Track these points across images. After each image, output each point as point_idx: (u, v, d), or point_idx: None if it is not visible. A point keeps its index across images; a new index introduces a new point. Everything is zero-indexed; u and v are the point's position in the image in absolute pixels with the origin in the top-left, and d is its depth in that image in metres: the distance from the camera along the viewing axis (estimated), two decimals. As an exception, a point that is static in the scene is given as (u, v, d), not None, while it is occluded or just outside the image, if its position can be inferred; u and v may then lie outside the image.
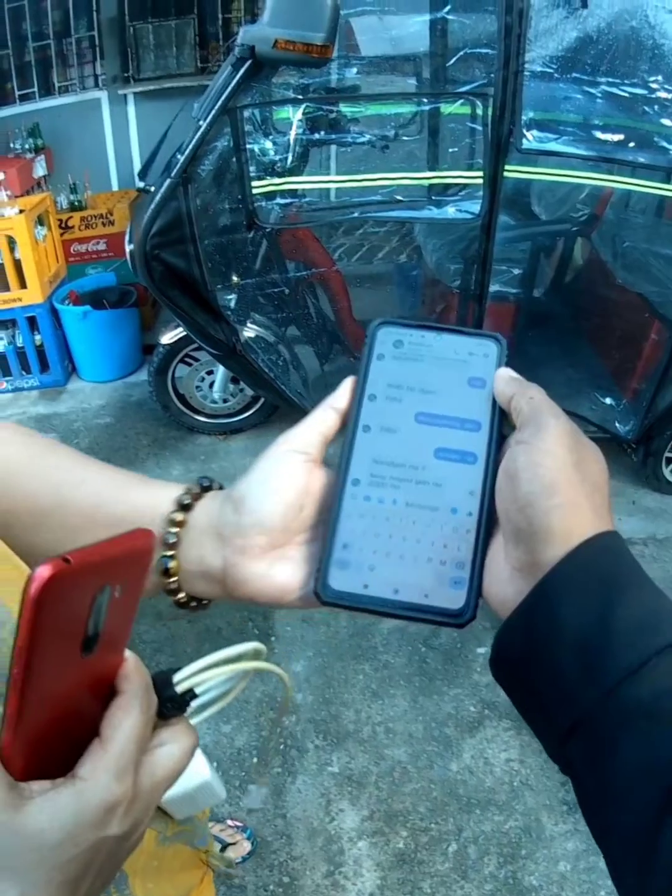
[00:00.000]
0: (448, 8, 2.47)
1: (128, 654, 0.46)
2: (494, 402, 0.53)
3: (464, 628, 0.49)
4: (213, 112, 2.30)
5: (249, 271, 2.83)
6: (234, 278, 2.76)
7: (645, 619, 0.43)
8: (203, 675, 0.51)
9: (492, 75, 2.35)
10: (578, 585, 0.44)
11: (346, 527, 0.51)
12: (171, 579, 0.55)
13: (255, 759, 2.30)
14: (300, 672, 2.54)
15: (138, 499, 0.58)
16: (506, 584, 0.48)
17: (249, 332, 2.91)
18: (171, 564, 0.55)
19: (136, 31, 4.90)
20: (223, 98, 2.28)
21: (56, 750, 0.43)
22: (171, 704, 0.49)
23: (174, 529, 0.55)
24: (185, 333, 3.14)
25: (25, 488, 0.59)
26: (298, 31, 2.06)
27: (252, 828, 2.10)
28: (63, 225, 4.34)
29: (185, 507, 0.56)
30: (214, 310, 2.70)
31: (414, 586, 0.49)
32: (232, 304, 2.77)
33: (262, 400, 3.44)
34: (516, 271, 3.15)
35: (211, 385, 3.47)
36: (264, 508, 0.52)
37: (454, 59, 2.48)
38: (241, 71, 2.23)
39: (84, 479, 0.60)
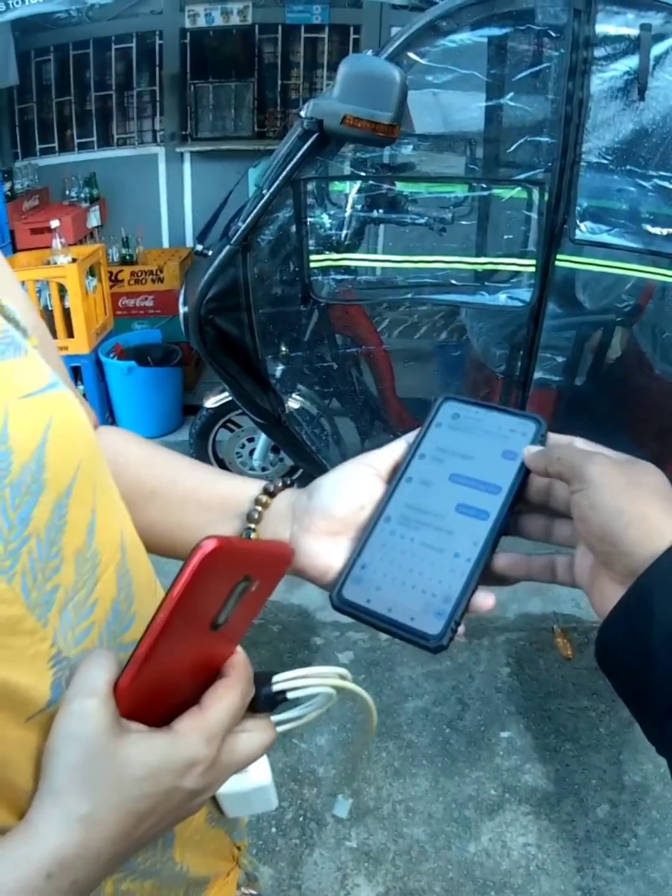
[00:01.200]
0: (511, 94, 2.51)
1: (238, 648, 0.54)
2: (518, 473, 0.62)
3: (434, 653, 0.58)
4: (278, 182, 2.33)
5: (299, 343, 2.86)
6: (284, 349, 2.78)
7: None
8: (297, 683, 0.59)
9: (549, 164, 2.39)
10: (666, 584, 0.49)
11: (369, 551, 0.62)
12: None
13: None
14: (324, 745, 2.54)
15: (232, 485, 0.71)
16: (615, 599, 0.53)
17: (295, 403, 2.93)
18: (253, 535, 0.67)
19: (196, 90, 4.97)
20: (288, 169, 2.31)
21: (155, 706, 0.48)
22: (263, 700, 0.57)
23: (259, 508, 0.67)
24: (229, 399, 3.18)
25: (147, 472, 0.71)
26: (367, 108, 2.10)
27: (267, 897, 2.09)
28: (113, 278, 4.41)
29: (269, 494, 0.68)
30: (262, 379, 2.72)
31: (405, 609, 0.59)
32: (280, 375, 2.80)
33: (301, 471, 3.46)
34: (560, 359, 3.17)
35: (251, 452, 3.50)
36: (333, 500, 0.65)
37: (515, 146, 2.52)
38: (308, 143, 2.27)
39: (189, 468, 0.73)
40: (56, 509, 0.47)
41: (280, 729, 0.64)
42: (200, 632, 0.48)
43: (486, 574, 0.60)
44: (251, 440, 3.49)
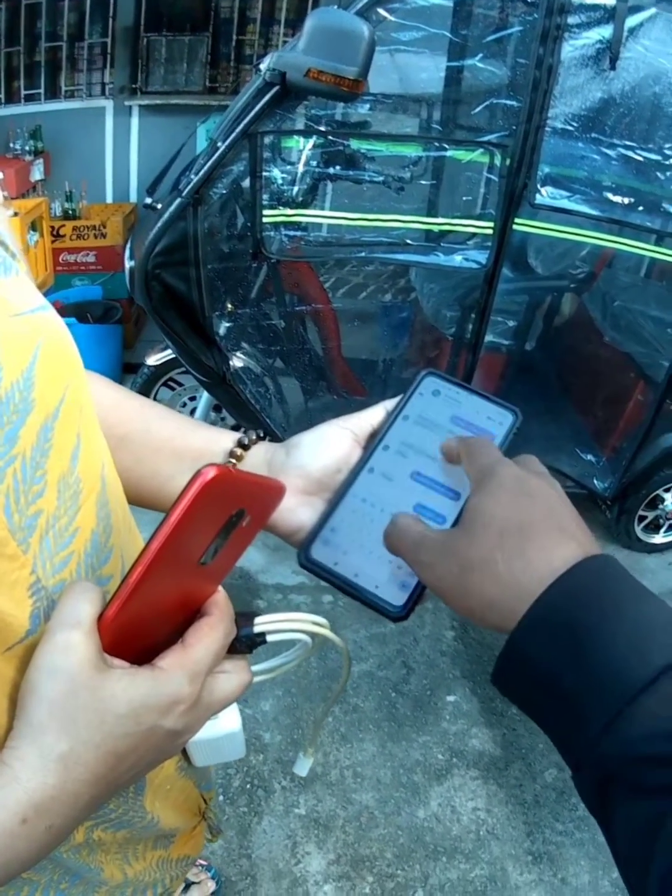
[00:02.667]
0: (480, 55, 2.48)
1: (219, 587, 0.53)
2: None
3: (394, 622, 0.60)
4: (234, 135, 2.25)
5: (246, 300, 2.80)
6: (231, 306, 2.72)
7: (617, 665, 0.44)
8: (279, 625, 0.61)
9: (513, 127, 2.35)
10: (546, 637, 0.47)
11: (339, 515, 0.63)
12: None
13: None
14: (268, 711, 2.51)
15: (207, 435, 0.71)
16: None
17: (239, 361, 2.87)
18: None
19: (149, 43, 4.86)
20: (245, 121, 2.23)
21: (137, 642, 0.47)
22: (243, 641, 0.57)
23: (232, 460, 0.68)
24: (171, 356, 3.10)
25: (117, 416, 0.69)
26: (332, 62, 2.04)
27: (217, 867, 2.06)
28: (55, 233, 4.28)
29: (243, 446, 0.69)
30: (207, 336, 2.66)
31: (370, 576, 0.61)
32: (225, 332, 2.73)
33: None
34: (511, 323, 3.16)
35: (192, 411, 3.43)
36: (311, 460, 0.65)
37: (480, 108, 2.48)
38: (268, 96, 2.19)
39: (166, 416, 0.73)
40: (42, 431, 0.47)
41: (256, 679, 0.65)
42: (189, 565, 0.48)
43: None
44: (193, 399, 3.42)
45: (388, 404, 0.68)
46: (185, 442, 0.70)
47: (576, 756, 0.46)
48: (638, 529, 3.37)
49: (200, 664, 0.49)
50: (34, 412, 0.46)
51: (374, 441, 0.66)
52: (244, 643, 0.57)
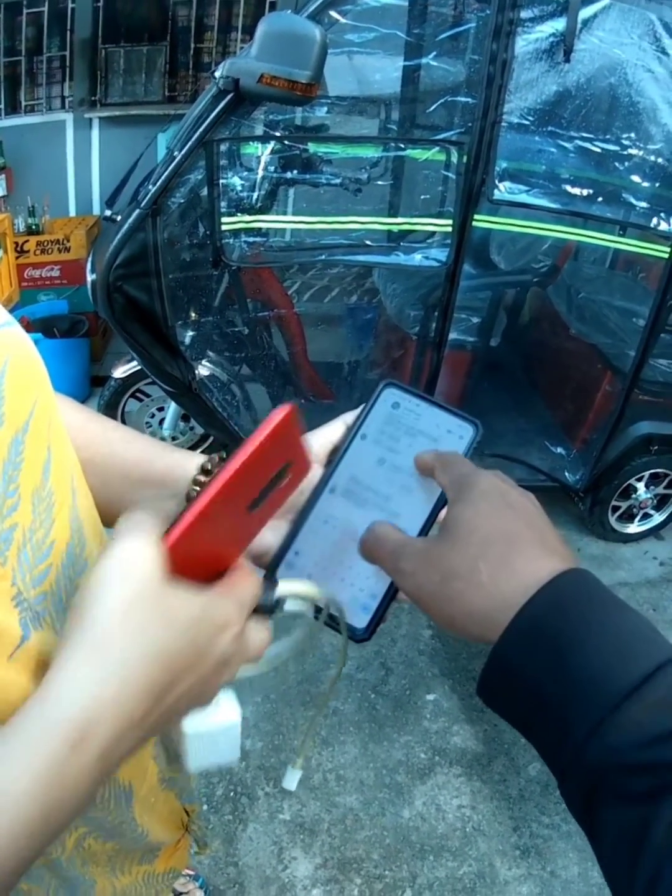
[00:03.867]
0: (433, 54, 2.49)
1: (241, 557, 0.52)
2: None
3: (357, 643, 0.60)
4: (190, 143, 2.25)
5: (209, 309, 2.81)
6: (194, 315, 2.73)
7: (599, 674, 0.45)
8: (297, 592, 0.59)
9: (469, 124, 2.36)
10: (530, 648, 0.48)
11: (303, 538, 0.63)
12: None
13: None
14: (249, 717, 2.50)
15: (173, 460, 0.71)
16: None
17: (205, 370, 2.87)
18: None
19: (107, 55, 4.84)
20: (201, 130, 2.24)
21: (183, 575, 0.47)
22: (264, 606, 0.55)
23: (196, 488, 0.61)
24: (138, 368, 3.10)
25: (83, 439, 0.69)
26: (285, 67, 2.05)
27: (204, 876, 2.05)
28: (19, 248, 4.25)
29: (206, 472, 0.63)
30: (172, 346, 2.65)
31: (333, 599, 0.60)
32: (189, 341, 2.74)
33: (212, 439, 3.42)
34: (475, 320, 3.18)
35: (161, 422, 3.43)
36: None
37: (435, 106, 2.49)
38: (223, 103, 2.19)
39: (131, 440, 0.73)
40: (13, 445, 0.48)
41: (264, 668, 0.65)
42: (241, 507, 0.48)
43: None
44: (161, 409, 3.42)
45: (348, 418, 0.68)
46: (152, 467, 0.71)
47: (561, 765, 0.47)
48: (612, 520, 3.39)
49: (244, 597, 0.50)
50: (4, 427, 0.47)
51: (334, 459, 0.66)
52: (266, 607, 0.57)
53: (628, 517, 3.45)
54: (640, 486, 3.31)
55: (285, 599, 0.58)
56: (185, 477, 0.66)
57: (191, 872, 2.03)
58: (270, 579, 0.58)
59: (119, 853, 0.74)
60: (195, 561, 0.48)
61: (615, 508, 3.37)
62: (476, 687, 0.52)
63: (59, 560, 0.53)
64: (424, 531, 0.62)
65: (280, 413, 0.46)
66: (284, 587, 0.58)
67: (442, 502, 0.61)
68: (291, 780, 0.85)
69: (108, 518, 0.66)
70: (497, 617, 0.49)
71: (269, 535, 0.64)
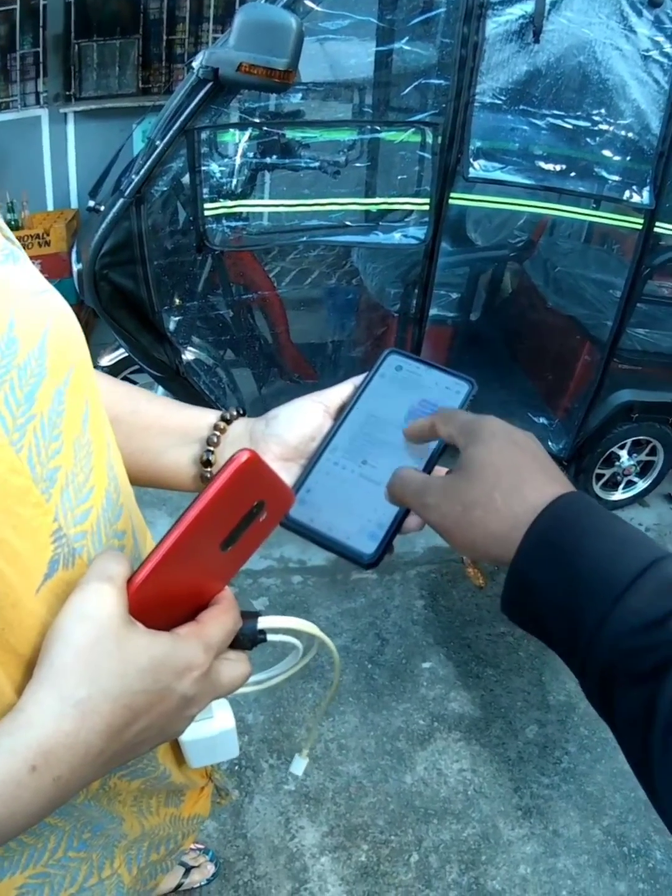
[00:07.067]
0: (405, 39, 2.52)
1: (227, 587, 0.57)
2: None
3: (366, 568, 0.66)
4: (171, 133, 2.28)
5: (194, 294, 2.84)
6: (179, 300, 2.76)
7: (601, 575, 0.52)
8: (277, 624, 0.67)
9: (443, 105, 2.40)
10: (541, 558, 0.55)
11: (314, 477, 0.70)
12: (208, 469, 0.73)
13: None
14: (250, 693, 2.54)
15: (191, 413, 0.78)
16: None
17: (191, 354, 2.90)
18: (212, 457, 0.73)
19: (80, 49, 4.83)
20: (182, 119, 2.27)
21: (156, 615, 0.51)
22: (246, 636, 0.62)
23: (217, 433, 0.74)
24: (124, 355, 3.13)
25: (109, 399, 0.73)
26: (263, 55, 2.08)
27: (214, 850, 2.10)
28: (-2, 245, 4.24)
29: (227, 420, 0.76)
30: (158, 331, 2.69)
31: (342, 529, 0.67)
32: (175, 326, 2.77)
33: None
34: (454, 295, 3.22)
35: (148, 409, 3.45)
36: (288, 430, 0.72)
37: (409, 88, 2.53)
38: (203, 92, 2.23)
39: (152, 399, 0.79)
40: (56, 395, 0.52)
41: (256, 689, 0.78)
42: (212, 547, 0.52)
43: None
44: (149, 395, 3.44)
45: (356, 380, 0.75)
46: (172, 420, 0.77)
47: (578, 662, 0.53)
48: (597, 488, 3.45)
49: (213, 638, 0.53)
50: (48, 377, 0.51)
51: (342, 414, 0.73)
52: (247, 638, 0.62)
53: (612, 485, 3.51)
54: (623, 453, 3.37)
55: (266, 632, 0.65)
56: (204, 425, 0.76)
57: (200, 846, 2.08)
58: (249, 613, 0.64)
59: (144, 793, 0.79)
60: (169, 598, 0.52)
61: (599, 476, 3.43)
62: (500, 603, 0.59)
63: (99, 503, 0.57)
64: (427, 471, 0.68)
65: (239, 460, 0.50)
66: (266, 621, 0.65)
67: (439, 449, 0.70)
68: (299, 766, 0.92)
69: (133, 469, 0.72)
70: (513, 536, 0.56)
71: (283, 477, 0.67)
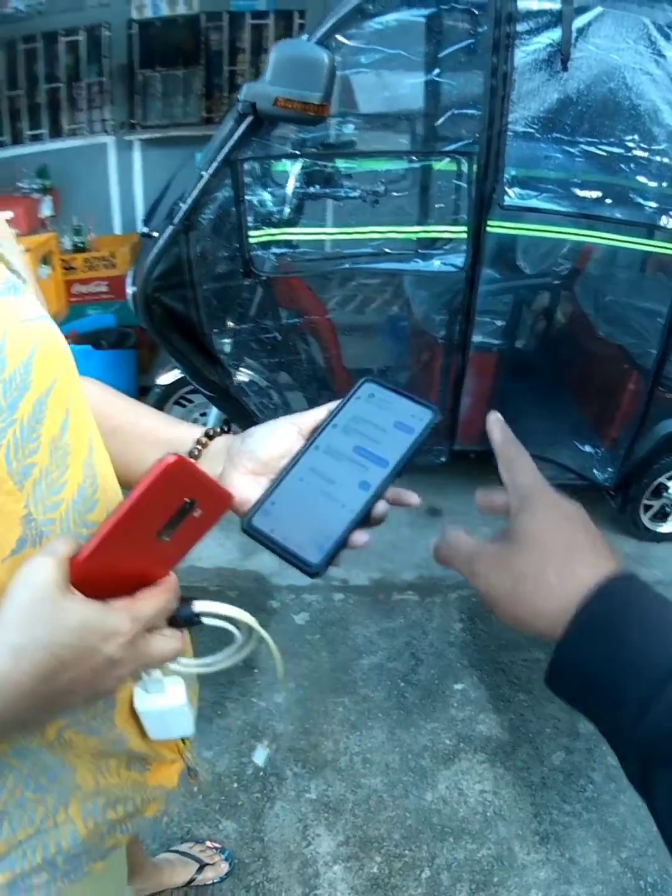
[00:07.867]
0: (437, 71, 2.59)
1: (171, 573, 0.66)
2: (406, 451, 0.76)
3: (312, 578, 0.73)
4: (216, 163, 2.41)
5: (245, 317, 2.94)
6: (230, 323, 2.86)
7: (647, 658, 0.54)
8: (213, 609, 0.73)
9: (477, 135, 2.47)
10: (589, 639, 0.57)
11: (279, 492, 0.77)
12: None
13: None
14: (281, 703, 2.61)
15: (182, 429, 0.88)
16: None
17: (243, 375, 3.01)
18: None
19: (145, 79, 5.03)
20: (225, 150, 2.40)
21: (97, 590, 0.60)
22: (182, 617, 0.70)
23: (199, 447, 0.84)
24: (180, 375, 3.26)
25: (111, 411, 0.87)
26: (297, 90, 2.19)
27: (230, 849, 2.16)
28: (66, 266, 4.45)
29: (209, 436, 0.85)
30: (210, 353, 2.80)
31: (296, 540, 0.73)
32: (227, 348, 2.88)
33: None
34: (499, 323, 3.25)
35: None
36: (261, 447, 0.80)
37: (442, 119, 2.60)
38: (243, 125, 2.36)
39: (148, 413, 0.92)
40: (37, 404, 0.63)
41: (196, 671, 0.82)
42: (148, 536, 0.61)
43: (367, 521, 0.74)
44: (203, 415, 3.54)
45: (331, 406, 0.82)
46: (164, 433, 0.88)
47: (621, 744, 0.55)
48: (645, 519, 3.43)
49: (142, 612, 0.62)
50: (30, 391, 0.62)
51: (313, 435, 0.80)
52: (183, 619, 0.70)
53: (661, 516, 3.49)
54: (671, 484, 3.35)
55: (202, 616, 0.72)
56: (191, 440, 0.85)
57: (216, 845, 2.14)
58: (187, 598, 0.71)
59: (103, 754, 0.86)
60: (113, 576, 0.61)
61: (647, 507, 3.41)
62: (544, 678, 0.61)
63: (70, 496, 0.67)
64: (376, 496, 0.75)
65: (165, 462, 0.58)
66: (201, 606, 0.72)
67: (396, 472, 0.75)
68: (261, 756, 1.00)
69: (130, 476, 0.82)
70: (562, 615, 0.58)
71: (253, 490, 0.78)
